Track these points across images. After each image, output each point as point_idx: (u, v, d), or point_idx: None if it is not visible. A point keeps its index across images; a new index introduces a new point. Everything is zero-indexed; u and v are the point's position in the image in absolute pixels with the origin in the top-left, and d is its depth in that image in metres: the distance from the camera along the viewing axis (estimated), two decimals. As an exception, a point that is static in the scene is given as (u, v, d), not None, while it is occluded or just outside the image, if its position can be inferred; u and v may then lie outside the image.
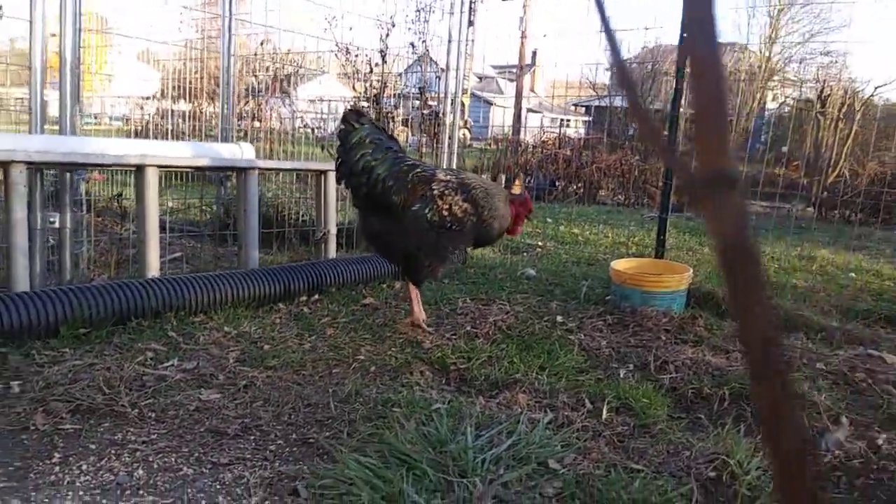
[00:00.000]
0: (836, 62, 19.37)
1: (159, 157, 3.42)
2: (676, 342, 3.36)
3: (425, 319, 3.40)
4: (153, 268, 3.45)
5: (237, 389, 2.54)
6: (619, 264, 4.02)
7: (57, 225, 3.46)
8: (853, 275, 5.19)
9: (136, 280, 3.25)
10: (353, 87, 5.22)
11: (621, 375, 2.90)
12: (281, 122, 7.69)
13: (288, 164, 4.51)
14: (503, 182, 3.79)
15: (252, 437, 2.23)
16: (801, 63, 23.67)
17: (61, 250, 3.58)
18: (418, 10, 4.96)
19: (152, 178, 3.36)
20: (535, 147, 16.61)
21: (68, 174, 3.49)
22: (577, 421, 2.38)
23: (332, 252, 4.43)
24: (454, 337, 3.28)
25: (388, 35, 4.97)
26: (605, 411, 2.47)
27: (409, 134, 6.83)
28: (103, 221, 5.46)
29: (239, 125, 7.90)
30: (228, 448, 2.16)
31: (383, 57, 5.03)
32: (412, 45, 5.14)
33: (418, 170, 3.16)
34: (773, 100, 21.26)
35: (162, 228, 5.92)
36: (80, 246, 3.89)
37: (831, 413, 2.54)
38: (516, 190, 3.50)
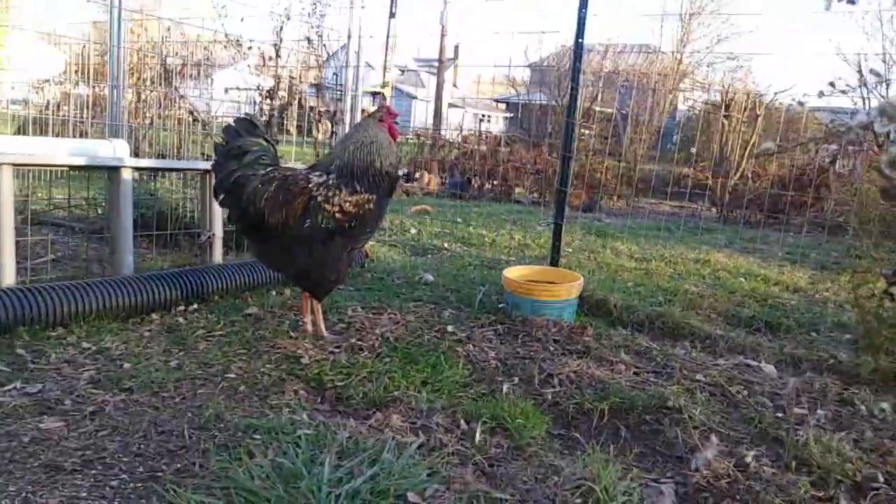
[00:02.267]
0: (742, 67, 20.21)
1: (14, 156, 3.12)
2: (564, 353, 3.33)
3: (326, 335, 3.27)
4: (7, 276, 3.16)
5: (83, 416, 2.32)
6: (512, 272, 3.97)
7: None
8: (742, 279, 5.34)
9: (-18, 291, 2.95)
10: (245, 81, 4.99)
11: (504, 390, 2.83)
12: (191, 113, 7.34)
13: (166, 164, 4.24)
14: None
15: (92, 472, 2.03)
16: (709, 66, 24.61)
17: None
18: (314, 3, 4.76)
19: (6, 178, 3.06)
20: (454, 143, 16.60)
21: None
22: (449, 444, 2.29)
23: (219, 256, 4.20)
24: (337, 350, 3.14)
25: (281, 28, 4.75)
26: (478, 433, 2.39)
27: (319, 124, 6.63)
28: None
29: (146, 115, 7.50)
30: (63, 485, 1.96)
31: (277, 51, 4.81)
32: (308, 39, 4.94)
33: (289, 181, 2.99)
34: (684, 102, 21.98)
35: (41, 224, 5.52)
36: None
37: (704, 429, 2.55)
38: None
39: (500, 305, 3.96)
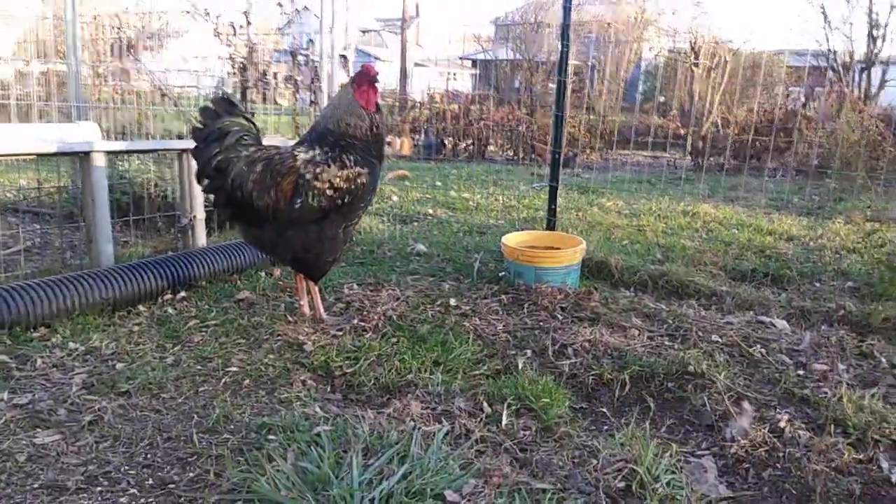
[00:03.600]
0: (706, 13, 20.09)
1: (-26, 147, 2.87)
2: (573, 321, 3.23)
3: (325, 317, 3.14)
4: (-21, 276, 2.94)
5: (81, 427, 2.16)
6: (511, 239, 3.84)
7: None
8: (735, 231, 5.29)
9: (-46, 295, 2.74)
10: (218, 57, 4.72)
11: (519, 365, 2.72)
12: (159, 89, 7.00)
13: (141, 145, 3.98)
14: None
15: (98, 490, 1.87)
16: (673, 13, 24.38)
17: None
18: (283, -33, 4.48)
19: (-33, 172, 2.82)
20: (423, 104, 16.23)
21: None
22: (475, 430, 2.17)
23: (203, 239, 3.99)
24: (340, 333, 2.99)
25: (250, -7, 4.48)
26: (504, 416, 2.28)
27: (297, 94, 6.36)
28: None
29: (105, 89, 7.15)
30: (68, 507, 1.81)
31: (247, 17, 4.53)
32: (280, 4, 4.67)
33: (275, 161, 2.80)
34: (650, 50, 21.80)
35: (6, 212, 5.23)
36: None
37: (732, 394, 2.47)
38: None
39: (501, 274, 3.84)
